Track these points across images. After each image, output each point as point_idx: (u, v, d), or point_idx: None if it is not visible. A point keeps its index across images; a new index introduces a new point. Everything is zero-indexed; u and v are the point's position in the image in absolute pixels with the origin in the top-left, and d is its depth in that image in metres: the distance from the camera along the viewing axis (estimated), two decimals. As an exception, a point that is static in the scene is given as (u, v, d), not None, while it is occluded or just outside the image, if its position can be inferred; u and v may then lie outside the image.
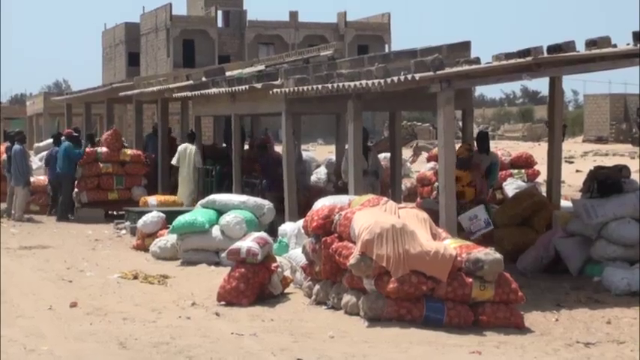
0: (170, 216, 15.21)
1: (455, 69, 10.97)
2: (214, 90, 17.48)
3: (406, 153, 33.72)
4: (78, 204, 20.58)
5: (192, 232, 13.82)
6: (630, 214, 12.07)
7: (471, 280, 9.31)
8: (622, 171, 12.99)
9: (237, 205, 14.27)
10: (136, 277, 12.42)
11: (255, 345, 8.51)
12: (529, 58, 10.29)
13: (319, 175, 22.33)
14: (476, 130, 18.07)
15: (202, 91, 18.17)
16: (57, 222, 19.86)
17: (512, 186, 18.27)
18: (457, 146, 13.10)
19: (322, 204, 11.46)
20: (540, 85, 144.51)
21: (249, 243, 10.98)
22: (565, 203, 14.73)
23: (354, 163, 13.40)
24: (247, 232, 12.96)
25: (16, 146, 20.61)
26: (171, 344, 8.49)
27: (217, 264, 13.49)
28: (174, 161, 19.98)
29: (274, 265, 11.14)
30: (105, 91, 25.90)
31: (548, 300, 10.67)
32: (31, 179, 21.11)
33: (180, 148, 20.29)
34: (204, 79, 19.56)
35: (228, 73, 19.96)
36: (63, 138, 21.05)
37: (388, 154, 19.22)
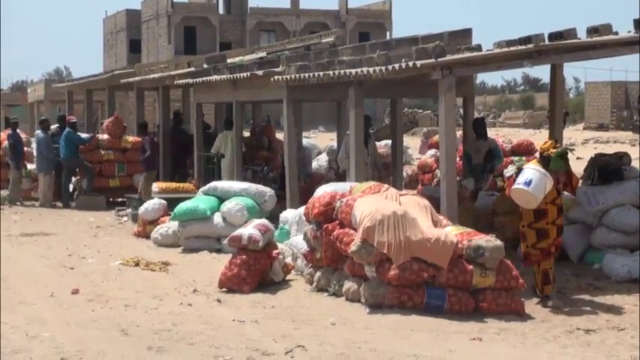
0: (171, 203, 15.22)
1: (456, 56, 10.96)
2: (216, 77, 17.46)
3: (411, 142, 33.63)
4: (78, 191, 20.59)
5: (193, 219, 13.84)
6: (631, 201, 12.08)
7: (471, 267, 9.33)
8: (623, 158, 12.99)
9: (239, 192, 14.27)
10: (137, 264, 12.44)
11: (256, 332, 8.54)
12: (530, 46, 10.27)
13: (320, 162, 22.32)
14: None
15: (203, 78, 18.14)
16: (63, 208, 19.93)
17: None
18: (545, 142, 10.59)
19: (323, 191, 11.47)
20: (541, 72, 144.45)
21: (250, 230, 11.00)
22: (566, 190, 14.71)
23: (355, 150, 13.40)
24: (249, 219, 12.97)
25: (41, 134, 20.64)
26: (173, 331, 8.52)
27: (219, 251, 13.52)
28: (213, 150, 19.44)
29: (275, 252, 11.15)
30: (106, 78, 25.87)
31: (549, 287, 10.66)
32: (32, 166, 21.27)
33: (220, 136, 19.78)
34: (205, 66, 19.52)
35: (229, 60, 19.92)
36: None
37: (389, 142, 19.18)
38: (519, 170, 10.09)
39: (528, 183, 9.68)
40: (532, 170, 9.85)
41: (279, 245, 11.67)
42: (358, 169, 13.42)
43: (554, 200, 9.99)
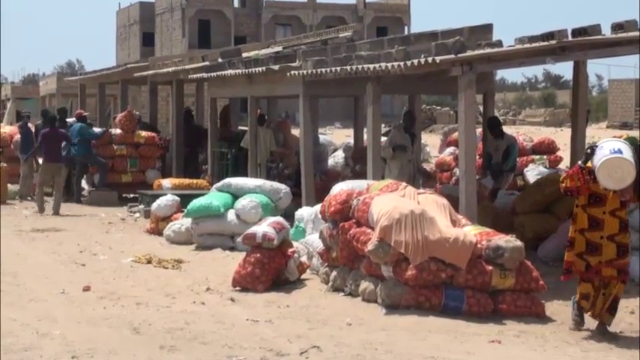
0: (184, 199, 15.10)
1: (476, 52, 10.85)
2: (230, 71, 17.37)
3: (429, 139, 33.46)
4: (91, 187, 20.48)
5: (207, 216, 13.71)
6: (654, 201, 11.84)
7: (491, 267, 9.22)
8: (646, 158, 12.75)
9: (253, 189, 14.15)
10: (149, 262, 12.35)
11: (270, 331, 8.43)
12: (553, 42, 10.14)
13: (337, 159, 22.20)
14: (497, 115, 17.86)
15: (218, 73, 18.04)
16: (75, 204, 19.79)
17: (533, 172, 18.02)
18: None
19: (340, 189, 11.39)
20: (563, 69, 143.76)
21: (265, 227, 10.88)
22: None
23: (372, 148, 13.25)
24: (263, 216, 12.85)
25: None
26: (186, 330, 8.42)
27: (232, 249, 13.42)
28: (243, 144, 18.82)
29: (291, 250, 11.04)
30: (119, 72, 25.77)
31: (570, 289, 10.43)
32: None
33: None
34: (220, 60, 19.42)
35: (244, 55, 19.81)
36: (73, 119, 21.00)
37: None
38: (592, 150, 8.37)
39: (619, 151, 8.11)
40: (615, 141, 8.40)
41: (295, 244, 11.55)
42: (375, 166, 13.27)
43: (615, 211, 8.42)
